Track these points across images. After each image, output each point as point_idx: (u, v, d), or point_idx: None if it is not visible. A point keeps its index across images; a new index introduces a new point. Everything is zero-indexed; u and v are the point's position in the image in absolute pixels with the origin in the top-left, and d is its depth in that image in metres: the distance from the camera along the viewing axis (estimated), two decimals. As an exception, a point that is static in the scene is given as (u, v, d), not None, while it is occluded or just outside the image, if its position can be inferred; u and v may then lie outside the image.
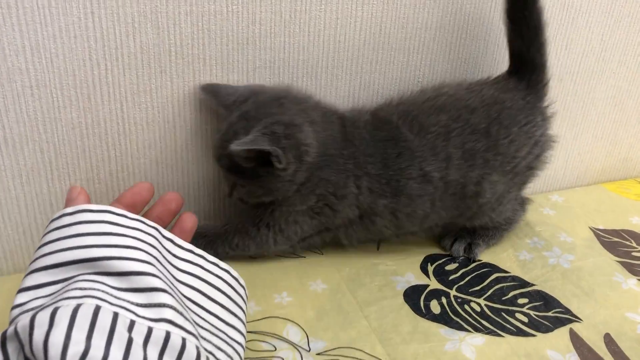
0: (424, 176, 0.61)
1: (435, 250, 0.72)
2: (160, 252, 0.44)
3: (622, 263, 0.71)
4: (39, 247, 0.42)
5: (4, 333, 0.37)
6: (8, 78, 0.55)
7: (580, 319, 0.61)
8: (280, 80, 0.66)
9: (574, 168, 0.91)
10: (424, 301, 0.62)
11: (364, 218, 0.64)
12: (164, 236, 0.46)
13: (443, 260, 0.70)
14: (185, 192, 0.68)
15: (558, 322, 0.60)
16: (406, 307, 0.61)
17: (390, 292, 0.63)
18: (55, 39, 0.55)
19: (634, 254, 0.74)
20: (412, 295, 0.63)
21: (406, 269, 0.67)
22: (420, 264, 0.69)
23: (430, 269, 0.68)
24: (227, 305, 0.47)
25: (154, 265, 0.41)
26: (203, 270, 0.47)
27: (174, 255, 0.46)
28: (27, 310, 0.38)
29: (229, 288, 0.48)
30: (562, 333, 0.59)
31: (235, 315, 0.47)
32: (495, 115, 0.64)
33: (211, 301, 0.46)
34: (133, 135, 0.63)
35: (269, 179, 0.59)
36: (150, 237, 0.44)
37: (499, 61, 0.77)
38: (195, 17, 0.59)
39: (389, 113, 0.64)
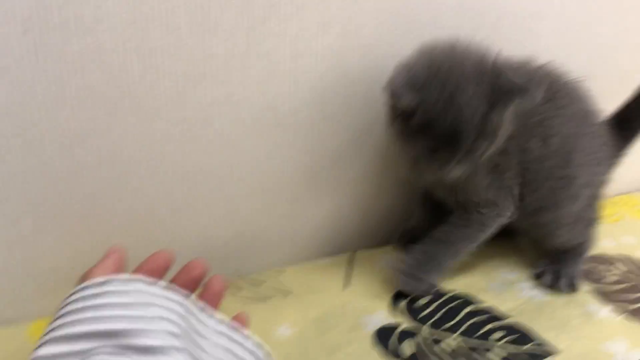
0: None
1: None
2: (190, 324, 0.42)
3: (595, 291, 0.70)
4: (57, 318, 0.39)
5: None
6: None
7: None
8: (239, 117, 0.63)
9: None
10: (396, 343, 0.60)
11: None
12: (195, 306, 0.44)
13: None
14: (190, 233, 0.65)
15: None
16: (375, 352, 0.58)
17: (359, 334, 0.60)
18: None
19: (605, 280, 0.72)
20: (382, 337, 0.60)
21: (377, 307, 0.65)
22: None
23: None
24: None
25: (181, 338, 0.39)
26: (236, 345, 0.45)
27: (207, 326, 0.44)
28: None
29: None
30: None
31: None
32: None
33: None
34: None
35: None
36: (179, 306, 0.42)
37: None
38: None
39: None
